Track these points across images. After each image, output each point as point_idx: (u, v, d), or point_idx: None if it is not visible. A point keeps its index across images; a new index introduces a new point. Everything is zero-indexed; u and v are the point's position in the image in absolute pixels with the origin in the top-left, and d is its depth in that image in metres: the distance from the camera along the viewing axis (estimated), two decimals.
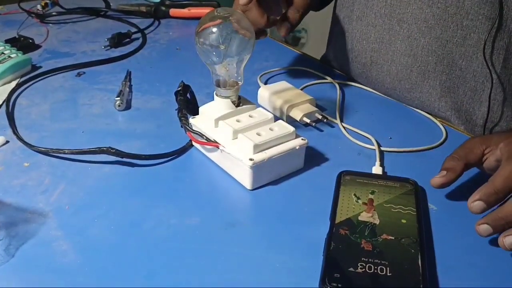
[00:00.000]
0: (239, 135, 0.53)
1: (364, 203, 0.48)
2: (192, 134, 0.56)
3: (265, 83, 0.75)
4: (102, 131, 0.63)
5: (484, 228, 0.44)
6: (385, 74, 0.71)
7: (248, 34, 0.54)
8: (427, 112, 0.69)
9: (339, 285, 0.39)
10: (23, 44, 0.84)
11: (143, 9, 1.02)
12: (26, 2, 1.05)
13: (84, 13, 1.02)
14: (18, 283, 0.41)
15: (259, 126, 0.54)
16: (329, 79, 0.76)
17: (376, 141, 0.60)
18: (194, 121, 0.58)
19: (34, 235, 0.46)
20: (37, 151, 0.57)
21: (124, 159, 0.56)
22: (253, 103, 0.58)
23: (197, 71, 0.77)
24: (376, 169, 0.55)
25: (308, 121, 0.63)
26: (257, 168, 0.51)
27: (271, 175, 0.53)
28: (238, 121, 0.55)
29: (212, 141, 0.54)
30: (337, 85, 0.74)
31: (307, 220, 0.49)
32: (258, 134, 0.53)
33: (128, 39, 0.90)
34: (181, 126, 0.58)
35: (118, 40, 0.88)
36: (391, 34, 0.68)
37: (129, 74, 0.77)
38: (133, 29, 0.94)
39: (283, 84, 0.69)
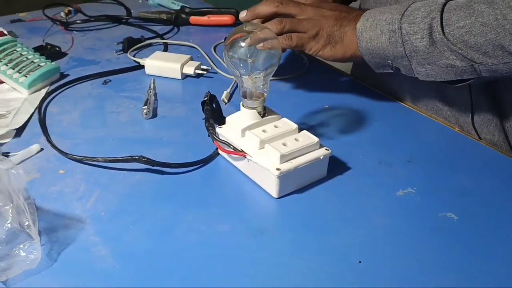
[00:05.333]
0: (266, 145, 0.55)
1: None
2: (219, 143, 0.58)
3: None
4: (131, 139, 0.65)
5: None
6: None
7: (274, 48, 0.56)
8: None
9: None
10: (50, 52, 0.86)
11: (163, 16, 1.04)
12: (49, 9, 1.08)
13: (107, 21, 1.05)
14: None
15: (285, 136, 0.56)
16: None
17: None
18: (221, 131, 0.60)
19: (74, 240, 0.48)
20: (71, 159, 0.60)
21: (155, 167, 0.58)
22: (278, 114, 0.60)
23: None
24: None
25: (200, 71, 0.81)
26: (284, 178, 0.53)
27: (296, 184, 0.55)
28: (264, 131, 0.57)
29: (239, 150, 0.56)
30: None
31: (332, 227, 0.51)
32: (284, 145, 0.55)
33: (142, 43, 0.92)
34: (209, 136, 0.60)
35: (128, 44, 0.90)
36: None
37: (153, 82, 0.79)
38: (151, 35, 0.97)
39: (160, 53, 0.86)
